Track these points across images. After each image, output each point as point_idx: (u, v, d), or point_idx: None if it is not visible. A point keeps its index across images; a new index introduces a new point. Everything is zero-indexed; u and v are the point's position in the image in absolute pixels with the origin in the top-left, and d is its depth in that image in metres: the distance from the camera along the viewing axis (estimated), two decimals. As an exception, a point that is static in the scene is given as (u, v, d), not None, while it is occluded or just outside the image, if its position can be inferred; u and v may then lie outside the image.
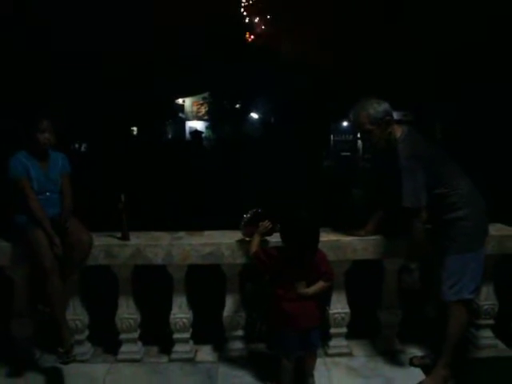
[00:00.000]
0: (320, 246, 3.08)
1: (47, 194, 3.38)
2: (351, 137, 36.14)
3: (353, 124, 3.27)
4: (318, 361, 3.36)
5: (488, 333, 3.80)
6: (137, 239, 3.53)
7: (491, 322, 3.78)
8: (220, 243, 3.45)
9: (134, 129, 34.36)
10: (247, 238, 3.35)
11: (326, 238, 3.41)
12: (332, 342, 3.71)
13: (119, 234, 3.52)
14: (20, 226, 3.29)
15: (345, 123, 36.36)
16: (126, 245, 3.46)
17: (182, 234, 3.66)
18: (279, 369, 3.17)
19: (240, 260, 3.45)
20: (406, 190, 2.98)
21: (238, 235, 3.42)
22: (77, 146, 27.83)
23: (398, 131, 3.16)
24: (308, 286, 3.04)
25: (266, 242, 3.34)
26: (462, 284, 3.12)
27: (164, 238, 3.57)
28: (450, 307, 3.18)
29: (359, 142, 34.82)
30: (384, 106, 3.14)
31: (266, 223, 3.22)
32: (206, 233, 3.67)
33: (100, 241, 3.47)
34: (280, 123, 33.11)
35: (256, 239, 3.21)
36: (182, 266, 3.53)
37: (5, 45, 19.13)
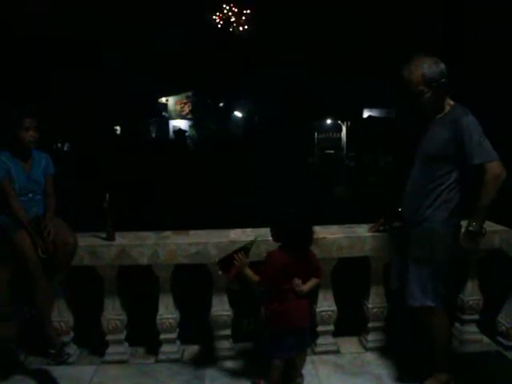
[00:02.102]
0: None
1: (29, 195, 3.34)
2: (335, 134, 36.23)
3: (403, 82, 2.90)
4: (306, 359, 3.37)
5: (473, 328, 3.84)
6: (122, 239, 3.50)
7: (476, 317, 3.82)
8: (206, 242, 3.44)
9: (117, 128, 34.08)
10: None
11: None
12: (319, 340, 3.73)
13: (104, 234, 3.48)
14: (1, 227, 3.24)
15: (328, 121, 36.47)
16: (111, 245, 3.43)
17: (168, 233, 3.64)
18: (270, 368, 3.15)
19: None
20: (473, 146, 2.74)
21: (224, 234, 3.40)
22: (59, 145, 27.52)
23: (450, 100, 2.96)
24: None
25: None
26: (427, 290, 2.98)
27: (150, 237, 3.55)
28: (421, 316, 3.13)
29: (343, 139, 34.94)
30: (441, 67, 2.85)
31: (241, 256, 3.06)
32: (192, 232, 3.65)
33: (85, 241, 3.44)
34: (264, 122, 33.09)
35: (248, 271, 3.07)
36: (168, 265, 3.51)
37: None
